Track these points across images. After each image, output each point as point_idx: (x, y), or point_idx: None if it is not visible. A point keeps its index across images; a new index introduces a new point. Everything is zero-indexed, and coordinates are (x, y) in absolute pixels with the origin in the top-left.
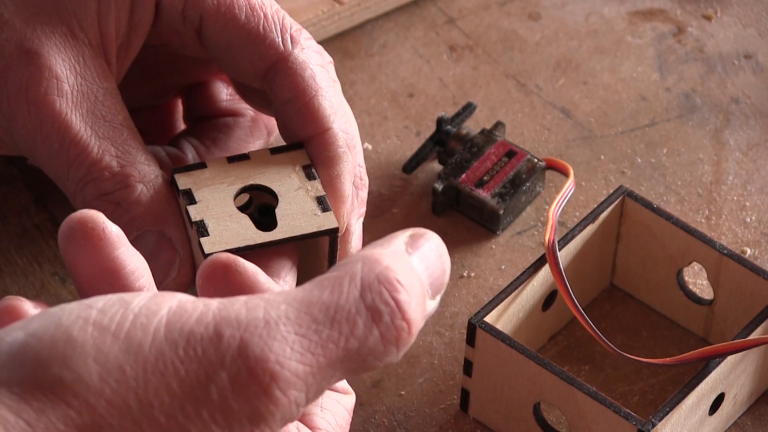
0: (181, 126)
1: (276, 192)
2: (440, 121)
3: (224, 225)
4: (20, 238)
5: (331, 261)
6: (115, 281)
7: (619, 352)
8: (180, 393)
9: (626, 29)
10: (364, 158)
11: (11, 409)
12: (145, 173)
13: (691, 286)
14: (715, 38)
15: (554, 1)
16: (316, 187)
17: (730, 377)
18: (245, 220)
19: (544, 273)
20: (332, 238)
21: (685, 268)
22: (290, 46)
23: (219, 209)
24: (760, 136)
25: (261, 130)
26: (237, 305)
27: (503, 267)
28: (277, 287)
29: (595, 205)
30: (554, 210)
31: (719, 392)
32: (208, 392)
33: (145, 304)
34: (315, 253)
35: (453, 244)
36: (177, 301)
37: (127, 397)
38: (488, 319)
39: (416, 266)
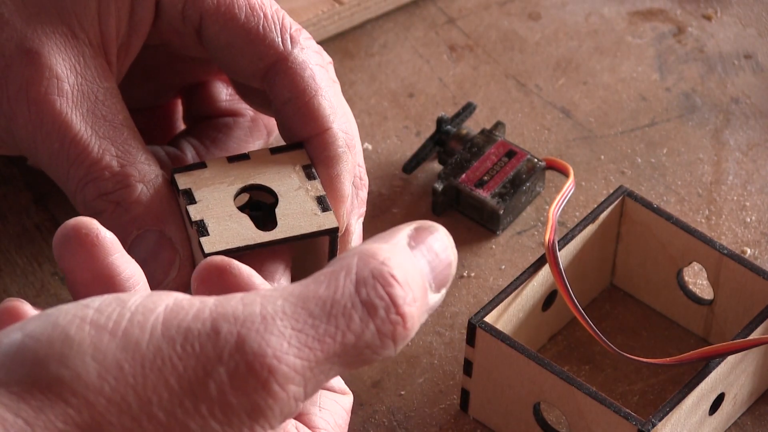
0: (181, 126)
1: (276, 192)
2: (440, 121)
3: (224, 225)
4: (20, 238)
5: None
6: (110, 288)
7: (619, 352)
8: (178, 389)
9: (626, 29)
10: (364, 158)
11: (10, 408)
12: (146, 173)
13: (691, 286)
14: (715, 38)
15: (554, 1)
16: (316, 187)
17: (730, 377)
18: (245, 220)
19: (544, 273)
20: (332, 237)
21: (685, 268)
22: (290, 46)
23: (219, 209)
24: (760, 136)
25: (261, 130)
26: (233, 301)
27: (503, 267)
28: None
29: (595, 205)
30: (554, 210)
31: (719, 392)
32: (207, 388)
33: (141, 302)
34: (315, 253)
35: None
36: (173, 298)
37: (125, 395)
38: (488, 319)
39: (418, 260)
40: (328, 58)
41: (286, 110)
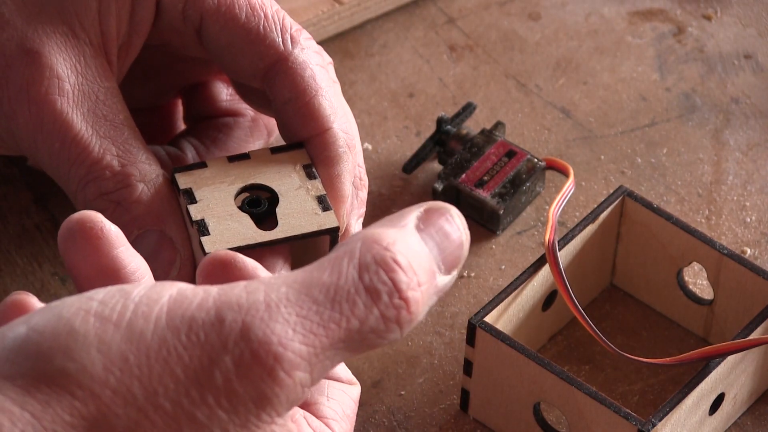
0: (181, 126)
1: (276, 191)
2: (440, 121)
3: (225, 224)
4: (20, 238)
5: None
6: (115, 281)
7: (619, 352)
8: (184, 379)
9: (626, 29)
10: (364, 158)
11: (16, 401)
12: (146, 172)
13: (691, 286)
14: (715, 38)
15: (554, 1)
16: (317, 187)
17: (730, 377)
18: (246, 219)
19: (544, 273)
20: (333, 237)
21: (685, 268)
22: (290, 46)
23: (219, 208)
24: (760, 136)
25: (261, 130)
26: (237, 290)
27: (503, 267)
28: None
29: (595, 205)
30: (554, 210)
31: (719, 392)
32: (213, 377)
33: (145, 293)
34: (315, 253)
35: None
36: (177, 288)
37: (131, 386)
38: (488, 319)
39: (426, 243)
40: (328, 59)
41: (287, 110)
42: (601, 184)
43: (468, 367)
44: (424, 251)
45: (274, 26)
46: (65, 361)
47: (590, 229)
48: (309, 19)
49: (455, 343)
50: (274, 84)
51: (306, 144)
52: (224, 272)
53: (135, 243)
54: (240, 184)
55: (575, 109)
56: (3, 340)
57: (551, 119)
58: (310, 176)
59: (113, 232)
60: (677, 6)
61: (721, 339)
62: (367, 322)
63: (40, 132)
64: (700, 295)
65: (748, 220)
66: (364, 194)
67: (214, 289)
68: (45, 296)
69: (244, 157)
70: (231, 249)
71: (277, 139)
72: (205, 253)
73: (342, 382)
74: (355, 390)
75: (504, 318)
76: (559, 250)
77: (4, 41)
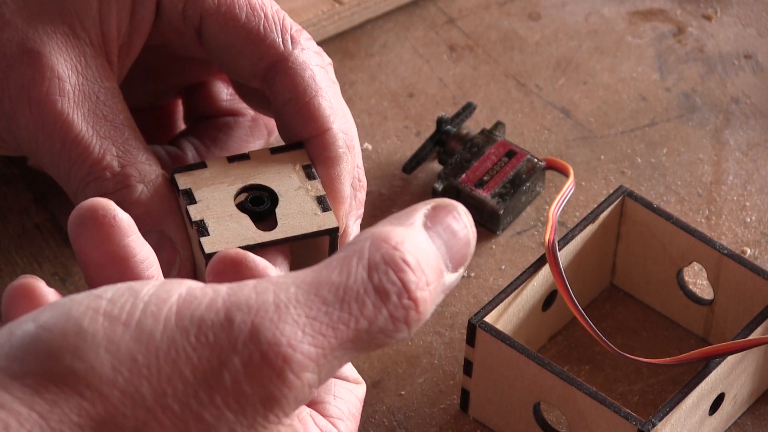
0: (182, 126)
1: (276, 191)
2: (440, 121)
3: (224, 225)
4: (20, 238)
5: None
6: (125, 270)
7: (619, 352)
8: (193, 380)
9: (626, 29)
10: (364, 158)
11: (24, 402)
12: (146, 173)
13: (691, 286)
14: (715, 38)
15: (554, 1)
16: (317, 187)
17: (730, 377)
18: (245, 220)
19: (544, 273)
20: (332, 237)
21: (685, 268)
22: (290, 47)
23: (219, 209)
24: (760, 136)
25: (261, 130)
26: (246, 290)
27: (503, 267)
28: None
29: (595, 205)
30: (554, 210)
31: (719, 392)
32: (221, 378)
33: (154, 292)
34: (315, 253)
35: None
36: (186, 287)
37: (140, 386)
38: (488, 319)
39: (433, 241)
40: (328, 59)
41: (286, 111)
42: (601, 184)
43: (468, 367)
44: (432, 250)
45: (274, 26)
46: (74, 360)
47: (590, 229)
48: (309, 19)
49: (455, 343)
50: (274, 84)
51: (305, 144)
52: (235, 271)
53: None
54: (240, 185)
55: (575, 109)
56: (11, 338)
57: (551, 119)
58: (310, 177)
59: (125, 220)
60: (677, 6)
61: (721, 339)
62: (376, 323)
63: (40, 132)
64: (700, 295)
65: (748, 220)
66: (362, 195)
67: (223, 289)
68: None
69: (244, 157)
70: None
71: (277, 139)
72: (204, 254)
73: (348, 380)
74: (360, 389)
75: (504, 318)
76: (559, 250)
77: (4, 41)
